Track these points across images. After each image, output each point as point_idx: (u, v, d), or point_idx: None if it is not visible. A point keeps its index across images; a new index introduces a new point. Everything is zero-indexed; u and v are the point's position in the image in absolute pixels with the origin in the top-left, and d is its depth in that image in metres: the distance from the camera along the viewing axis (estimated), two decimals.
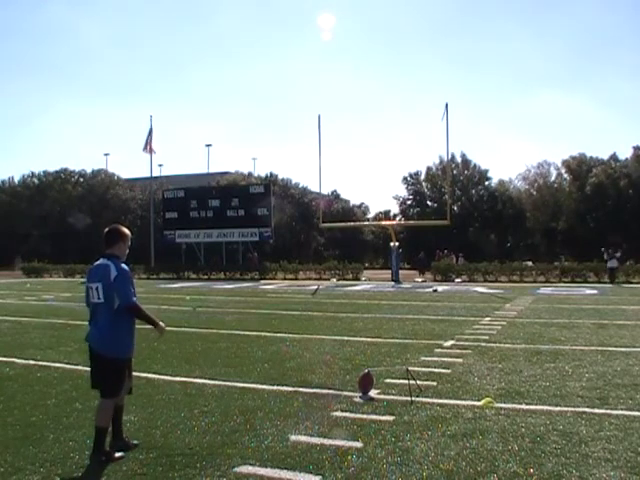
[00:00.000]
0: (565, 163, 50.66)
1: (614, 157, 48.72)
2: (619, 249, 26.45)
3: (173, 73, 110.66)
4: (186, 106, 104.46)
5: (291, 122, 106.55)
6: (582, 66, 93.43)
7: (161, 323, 4.50)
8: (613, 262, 25.32)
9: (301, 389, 6.24)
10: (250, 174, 57.73)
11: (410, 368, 6.21)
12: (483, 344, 9.03)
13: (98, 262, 4.50)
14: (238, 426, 4.95)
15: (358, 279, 31.38)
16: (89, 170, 59.22)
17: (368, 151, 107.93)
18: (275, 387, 6.33)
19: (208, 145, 63.21)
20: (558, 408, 5.41)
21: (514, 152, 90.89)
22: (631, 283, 25.71)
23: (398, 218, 53.93)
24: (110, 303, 4.31)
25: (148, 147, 37.49)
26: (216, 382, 6.59)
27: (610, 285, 23.75)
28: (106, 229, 4.60)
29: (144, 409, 5.49)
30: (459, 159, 53.34)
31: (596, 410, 5.31)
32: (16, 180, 59.46)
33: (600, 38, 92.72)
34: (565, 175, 51.45)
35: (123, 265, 4.47)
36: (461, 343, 9.11)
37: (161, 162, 77.64)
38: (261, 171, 61.76)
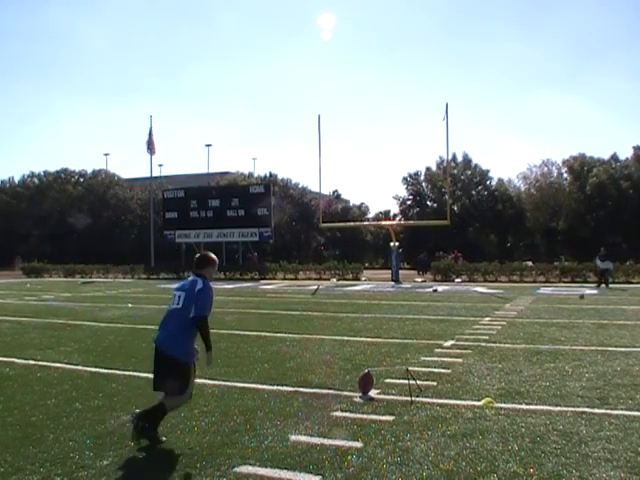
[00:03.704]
0: (566, 163, 50.61)
1: (614, 157, 48.68)
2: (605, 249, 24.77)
3: (173, 73, 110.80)
4: (186, 106, 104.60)
5: (291, 122, 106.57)
6: (581, 67, 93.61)
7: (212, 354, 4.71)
8: (608, 264, 23.99)
9: (301, 389, 6.24)
10: (250, 174, 57.71)
11: (410, 368, 6.21)
12: (483, 344, 9.03)
13: (189, 278, 4.90)
14: (238, 426, 4.95)
15: (358, 279, 31.36)
16: (89, 170, 59.26)
17: (368, 151, 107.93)
18: (275, 387, 6.34)
19: (208, 145, 63.22)
20: (558, 408, 5.41)
21: (514, 152, 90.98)
22: (631, 283, 25.70)
23: (398, 218, 53.89)
24: (186, 311, 4.61)
25: (151, 147, 37.39)
26: (216, 382, 6.59)
27: (604, 288, 22.62)
28: (197, 255, 5.07)
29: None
30: (460, 159, 53.32)
31: (596, 410, 5.32)
32: (16, 180, 59.43)
33: (598, 39, 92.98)
34: (565, 175, 51.42)
35: (209, 284, 4.81)
36: (461, 343, 9.11)
37: (161, 162, 77.71)
38: (261, 171, 61.84)
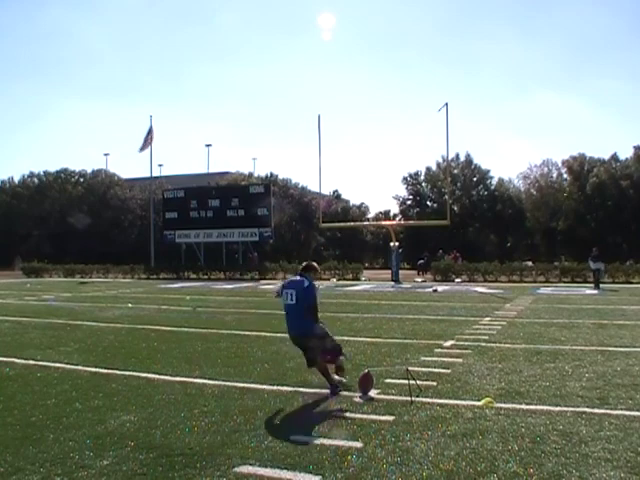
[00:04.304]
0: (566, 163, 50.58)
1: (615, 157, 48.64)
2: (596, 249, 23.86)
3: (173, 73, 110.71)
4: (186, 106, 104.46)
5: (291, 122, 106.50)
6: (581, 67, 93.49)
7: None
8: (599, 264, 23.45)
9: (301, 389, 6.25)
10: (250, 174, 57.68)
11: (410, 368, 6.21)
12: (483, 344, 9.03)
13: (296, 277, 6.43)
14: (238, 426, 4.95)
15: (358, 279, 31.36)
16: (89, 170, 59.21)
17: (368, 151, 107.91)
18: (275, 387, 6.34)
19: (208, 145, 63.26)
20: (558, 408, 5.41)
21: (514, 152, 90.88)
22: (631, 283, 25.71)
23: (398, 218, 53.87)
24: (300, 304, 6.14)
25: (145, 146, 37.36)
26: (216, 382, 6.60)
27: (597, 289, 22.07)
28: (304, 263, 6.59)
29: (144, 409, 5.50)
30: (462, 159, 53.27)
31: (596, 410, 5.32)
32: (16, 180, 59.33)
33: (598, 39, 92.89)
34: (565, 175, 51.39)
35: (313, 282, 6.35)
36: (461, 343, 9.11)
37: (161, 162, 77.47)
38: (261, 171, 61.71)
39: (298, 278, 6.32)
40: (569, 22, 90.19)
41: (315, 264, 6.58)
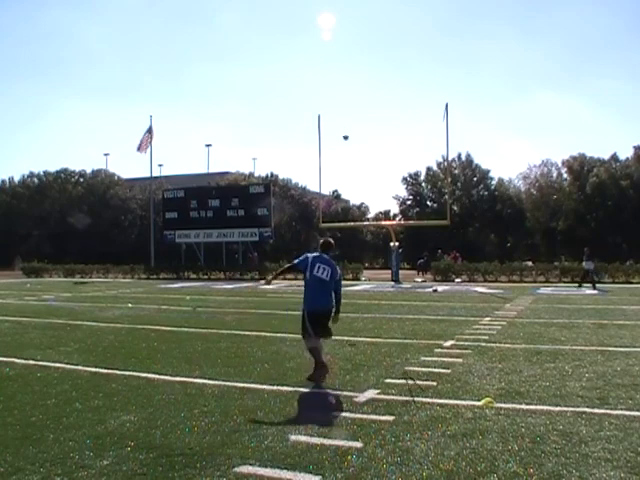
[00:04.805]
0: (566, 163, 50.56)
1: (615, 157, 48.62)
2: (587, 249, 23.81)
3: (173, 73, 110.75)
4: (186, 106, 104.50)
5: (291, 122, 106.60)
6: (581, 67, 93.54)
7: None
8: (590, 264, 23.42)
9: (301, 389, 6.24)
10: (250, 174, 57.65)
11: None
12: (483, 344, 9.03)
13: (318, 254, 6.65)
14: (238, 426, 4.95)
15: (358, 279, 31.35)
16: (89, 170, 59.19)
17: (368, 151, 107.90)
18: (275, 387, 6.33)
19: (208, 145, 63.32)
20: (558, 408, 5.41)
21: (514, 152, 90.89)
22: (631, 283, 25.71)
23: (398, 218, 53.84)
24: (331, 283, 6.51)
25: (142, 146, 37.28)
26: (216, 382, 6.59)
27: (594, 288, 21.97)
28: (322, 240, 6.89)
29: (144, 409, 5.49)
30: (463, 159, 53.22)
31: (596, 410, 5.32)
32: (16, 180, 59.32)
33: (598, 39, 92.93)
34: (565, 175, 51.37)
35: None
36: (461, 343, 9.11)
37: (161, 162, 77.54)
38: (261, 171, 61.73)
39: (326, 257, 6.59)
40: (569, 22, 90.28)
41: (331, 241, 6.84)
